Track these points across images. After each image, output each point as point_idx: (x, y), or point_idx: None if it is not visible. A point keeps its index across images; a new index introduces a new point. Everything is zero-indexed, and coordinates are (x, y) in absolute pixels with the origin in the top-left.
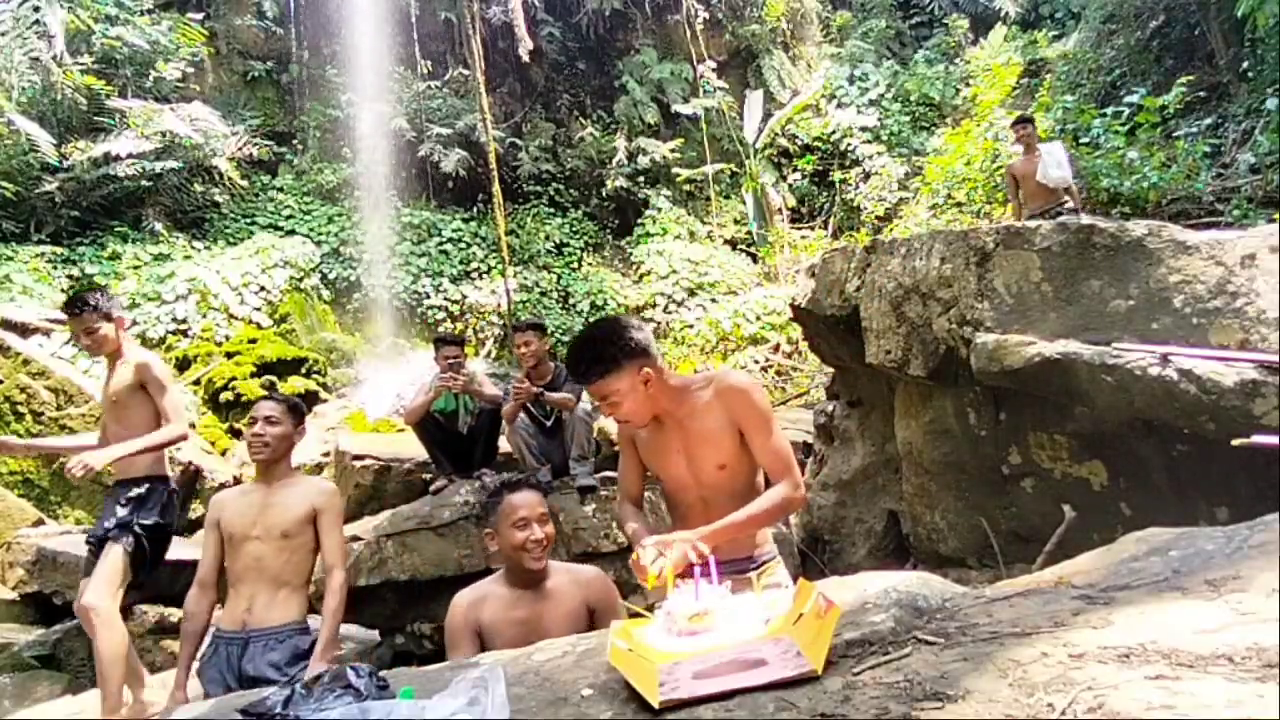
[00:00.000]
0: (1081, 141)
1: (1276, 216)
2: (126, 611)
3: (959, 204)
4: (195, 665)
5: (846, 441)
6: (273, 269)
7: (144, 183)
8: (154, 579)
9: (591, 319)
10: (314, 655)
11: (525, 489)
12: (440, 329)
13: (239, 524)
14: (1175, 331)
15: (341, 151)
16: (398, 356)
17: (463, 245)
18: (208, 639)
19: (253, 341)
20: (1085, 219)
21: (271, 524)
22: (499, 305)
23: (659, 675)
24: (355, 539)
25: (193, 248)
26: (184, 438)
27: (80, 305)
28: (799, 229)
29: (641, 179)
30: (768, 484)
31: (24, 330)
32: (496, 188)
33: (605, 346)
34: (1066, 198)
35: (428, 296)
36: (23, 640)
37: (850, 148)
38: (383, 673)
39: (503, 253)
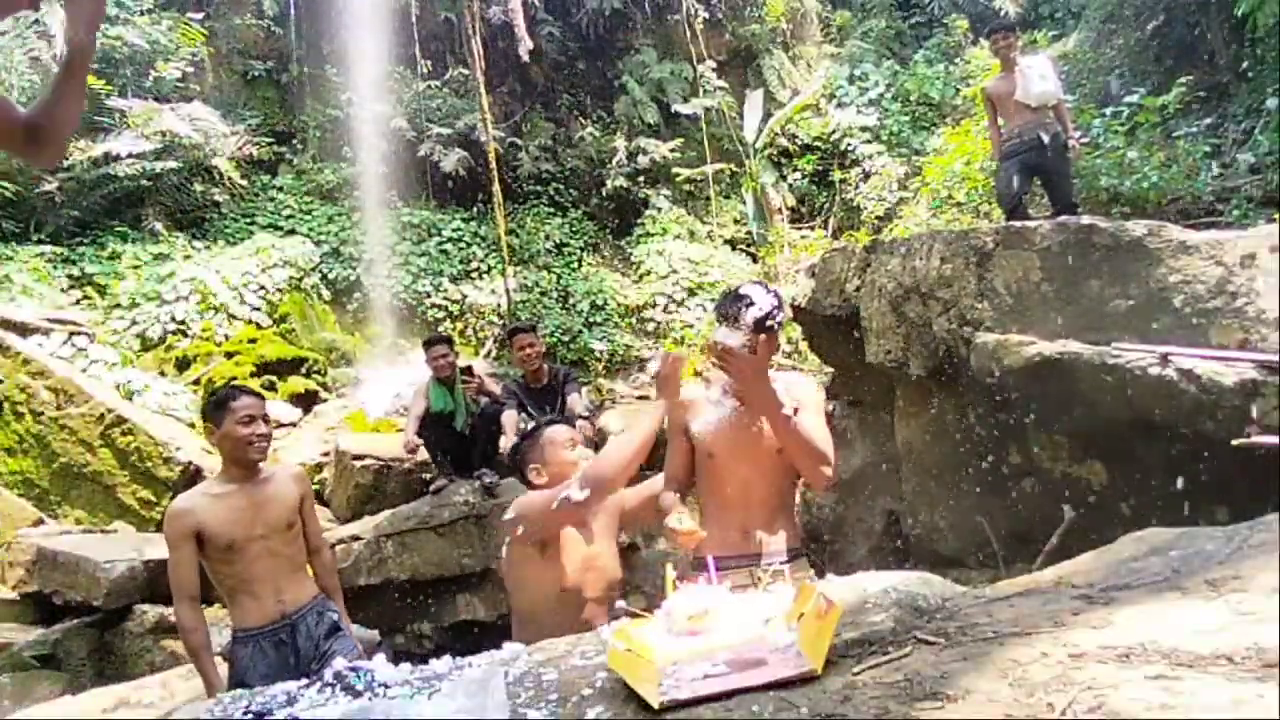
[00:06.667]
0: (1081, 141)
1: (1276, 216)
2: (127, 611)
3: (959, 204)
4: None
5: (846, 441)
6: (273, 269)
7: (144, 182)
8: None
9: (591, 319)
10: (347, 628)
11: (559, 424)
12: (440, 329)
13: (238, 529)
14: (1175, 331)
15: (341, 151)
16: (398, 356)
17: (463, 245)
18: (225, 643)
19: (252, 341)
20: (1085, 219)
21: (274, 519)
22: (499, 305)
23: (658, 676)
24: (355, 539)
25: (193, 247)
26: None
27: None
28: (799, 229)
29: (641, 179)
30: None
31: (24, 330)
32: (496, 187)
33: (779, 307)
34: (1051, 116)
35: (428, 296)
36: (23, 640)
37: (850, 148)
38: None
39: (503, 252)
